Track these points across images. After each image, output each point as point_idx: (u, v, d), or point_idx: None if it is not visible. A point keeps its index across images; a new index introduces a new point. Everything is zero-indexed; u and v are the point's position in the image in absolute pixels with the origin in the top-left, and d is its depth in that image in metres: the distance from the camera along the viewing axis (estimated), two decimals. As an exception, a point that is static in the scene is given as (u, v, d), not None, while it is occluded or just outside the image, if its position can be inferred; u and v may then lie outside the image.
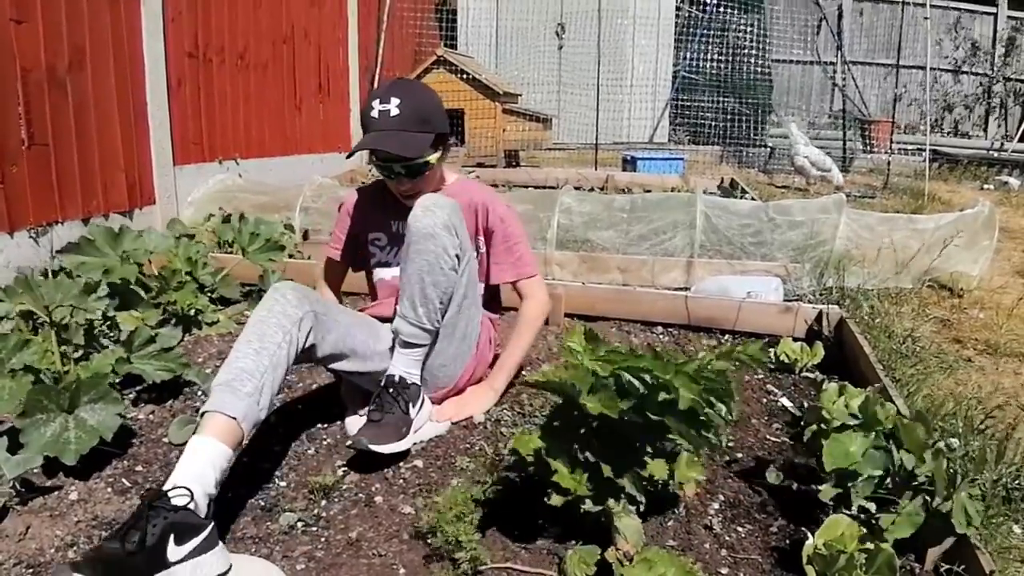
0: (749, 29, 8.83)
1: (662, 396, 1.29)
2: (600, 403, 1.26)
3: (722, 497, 1.59)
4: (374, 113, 1.81)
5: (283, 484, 1.62)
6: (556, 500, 1.31)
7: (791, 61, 10.22)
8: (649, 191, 5.14)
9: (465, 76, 6.93)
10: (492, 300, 2.11)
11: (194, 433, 1.41)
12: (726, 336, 2.65)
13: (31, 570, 1.32)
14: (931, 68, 8.26)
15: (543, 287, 2.09)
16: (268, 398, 1.50)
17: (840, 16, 8.79)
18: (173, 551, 1.23)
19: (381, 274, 2.06)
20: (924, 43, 7.53)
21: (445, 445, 1.79)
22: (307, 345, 1.63)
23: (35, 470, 1.58)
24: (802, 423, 1.63)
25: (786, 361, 2.35)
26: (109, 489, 1.58)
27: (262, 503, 1.54)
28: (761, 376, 2.32)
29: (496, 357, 2.07)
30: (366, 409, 1.80)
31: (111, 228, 2.71)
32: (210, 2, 4.08)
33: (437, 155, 1.90)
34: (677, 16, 9.86)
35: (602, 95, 7.89)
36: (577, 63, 9.01)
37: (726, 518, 1.52)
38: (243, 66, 4.46)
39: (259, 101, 4.66)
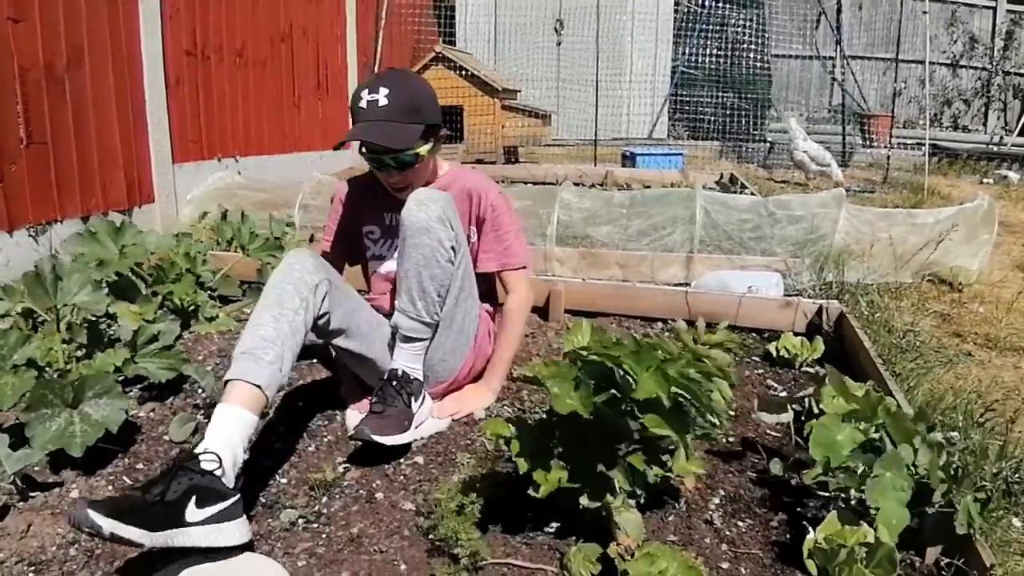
0: (748, 24, 8.81)
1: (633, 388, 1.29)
2: (578, 401, 1.26)
3: (723, 492, 1.59)
4: (362, 103, 1.76)
5: (284, 481, 1.62)
6: (532, 493, 1.32)
7: (790, 56, 10.21)
8: (648, 187, 5.14)
9: (464, 72, 6.92)
10: (490, 293, 2.09)
11: (219, 401, 1.43)
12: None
13: (33, 568, 1.33)
14: (930, 62, 8.25)
15: (526, 281, 2.03)
16: (289, 363, 1.53)
17: (839, 10, 8.78)
18: (192, 512, 1.26)
19: (376, 267, 2.03)
20: (923, 37, 7.52)
21: (446, 441, 1.79)
22: (322, 312, 1.63)
23: (36, 467, 1.58)
24: (791, 406, 1.63)
25: (786, 356, 2.35)
26: (110, 487, 1.58)
27: (263, 500, 1.54)
28: (761, 371, 2.32)
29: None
30: (366, 400, 1.81)
31: (113, 222, 2.72)
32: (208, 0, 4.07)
33: (428, 147, 1.84)
34: (676, 11, 9.84)
35: (601, 91, 7.88)
36: (576, 59, 9.00)
37: (727, 513, 1.52)
38: (241, 64, 4.46)
39: (258, 99, 4.66)
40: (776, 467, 1.59)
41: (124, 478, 1.62)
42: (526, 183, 5.78)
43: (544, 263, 3.31)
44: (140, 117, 3.49)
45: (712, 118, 8.58)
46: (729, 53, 8.99)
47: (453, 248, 1.75)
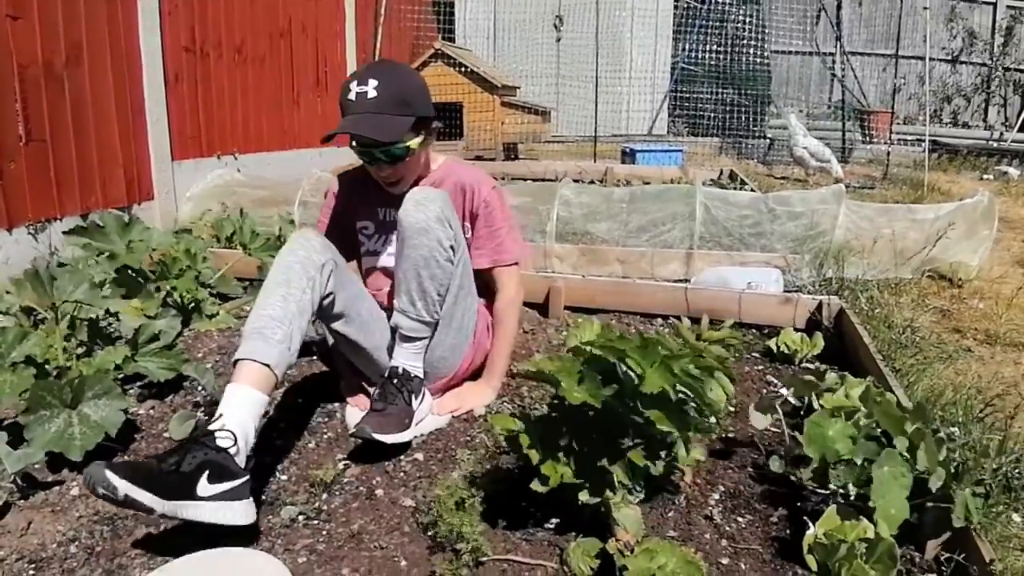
0: (748, 20, 8.80)
1: (638, 382, 1.29)
2: (586, 392, 1.26)
3: (722, 487, 1.59)
4: (351, 95, 1.72)
5: (284, 478, 1.62)
6: (537, 487, 1.32)
7: (790, 52, 10.20)
8: (648, 183, 5.13)
9: (463, 69, 6.92)
10: (486, 287, 2.04)
11: (229, 381, 1.44)
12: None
13: (33, 565, 1.33)
14: (930, 58, 8.24)
15: (517, 276, 2.00)
16: (298, 343, 1.54)
17: (839, 6, 8.78)
18: (204, 487, 1.28)
19: (371, 263, 1.99)
20: (923, 33, 7.51)
21: (446, 438, 1.79)
22: (327, 292, 1.64)
23: (36, 465, 1.59)
24: (786, 401, 1.64)
25: (786, 352, 2.35)
26: (110, 484, 1.59)
27: (263, 497, 1.54)
28: (761, 367, 2.32)
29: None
30: (365, 397, 1.80)
31: (121, 216, 2.72)
32: (206, -4, 4.07)
33: (419, 140, 1.79)
34: (675, 7, 9.83)
35: (601, 87, 7.87)
36: (575, 55, 8.99)
37: (726, 508, 1.52)
38: (240, 60, 4.45)
39: (257, 95, 4.65)
40: (775, 463, 1.59)
41: (124, 475, 1.62)
42: (526, 180, 5.78)
43: (544, 259, 3.31)
44: (139, 114, 3.49)
45: (712, 114, 8.58)
46: (729, 49, 8.98)
47: (452, 247, 1.74)
